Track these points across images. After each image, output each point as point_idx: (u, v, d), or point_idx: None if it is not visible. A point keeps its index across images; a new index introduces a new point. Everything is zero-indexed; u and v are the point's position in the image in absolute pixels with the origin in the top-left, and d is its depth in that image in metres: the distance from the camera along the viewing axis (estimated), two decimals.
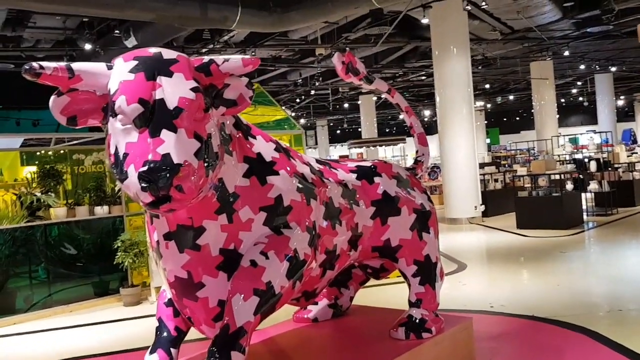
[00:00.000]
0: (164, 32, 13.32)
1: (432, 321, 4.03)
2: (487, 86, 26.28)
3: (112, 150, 2.61)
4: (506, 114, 40.58)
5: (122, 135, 2.54)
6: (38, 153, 10.01)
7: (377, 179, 4.02)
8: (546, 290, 6.99)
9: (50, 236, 7.90)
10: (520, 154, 22.69)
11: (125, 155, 2.52)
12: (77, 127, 2.78)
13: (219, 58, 2.76)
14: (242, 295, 2.96)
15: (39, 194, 8.01)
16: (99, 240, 8.33)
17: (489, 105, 34.73)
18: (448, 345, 4.21)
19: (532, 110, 36.65)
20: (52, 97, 2.62)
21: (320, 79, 20.52)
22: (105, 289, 8.21)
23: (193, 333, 3.34)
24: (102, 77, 2.63)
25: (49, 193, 7.82)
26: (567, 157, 15.58)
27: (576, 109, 38.18)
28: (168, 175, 2.42)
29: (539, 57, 21.25)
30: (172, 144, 2.51)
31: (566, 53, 18.91)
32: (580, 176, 13.04)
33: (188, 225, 2.96)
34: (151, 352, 3.38)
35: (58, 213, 7.72)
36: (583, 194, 12.94)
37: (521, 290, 7.20)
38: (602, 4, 15.40)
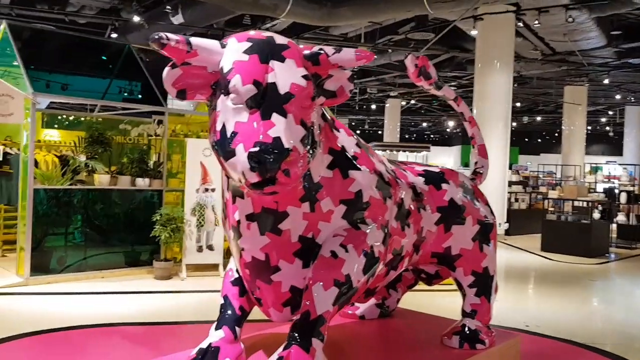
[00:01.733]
0: (212, 13, 13.35)
1: (485, 333, 4.04)
2: (518, 104, 26.12)
3: (219, 127, 2.64)
4: (528, 134, 40.40)
5: (232, 114, 2.58)
6: (83, 119, 10.07)
7: (444, 186, 4.02)
8: (579, 316, 6.97)
9: (90, 201, 7.96)
10: (544, 177, 22.56)
11: (234, 134, 2.55)
12: (181, 99, 2.82)
13: (329, 48, 2.78)
14: (323, 284, 2.99)
15: (82, 158, 8.08)
16: (135, 211, 8.38)
17: (513, 124, 34.57)
18: (498, 358, 4.22)
19: (556, 134, 36.63)
20: (167, 69, 2.66)
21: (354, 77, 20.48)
22: (136, 259, 8.27)
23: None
24: (215, 54, 2.66)
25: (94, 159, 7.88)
26: (594, 186, 15.48)
27: (599, 138, 37.93)
28: (278, 158, 2.44)
29: (575, 82, 21.10)
30: (282, 128, 2.55)
31: (606, 81, 18.77)
32: (609, 206, 12.97)
33: (273, 209, 2.99)
34: (217, 328, 3.41)
35: (102, 180, 7.78)
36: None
37: (553, 312, 7.18)
38: None
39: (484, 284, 4.05)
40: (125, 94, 8.69)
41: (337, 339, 4.47)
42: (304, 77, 2.62)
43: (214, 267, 8.34)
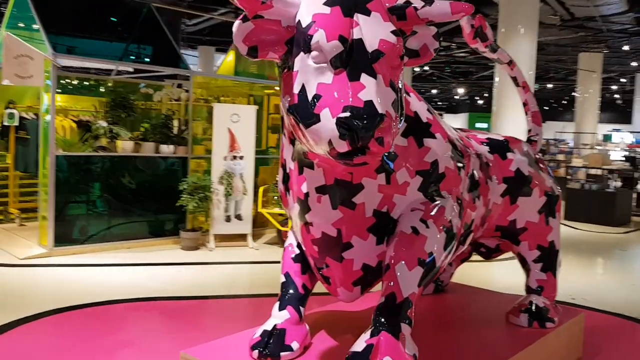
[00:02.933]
0: None
1: (554, 311, 3.85)
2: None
3: (297, 90, 2.35)
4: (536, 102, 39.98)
5: (313, 75, 2.29)
6: (95, 82, 9.68)
7: (510, 155, 3.78)
8: (623, 288, 6.78)
9: (112, 169, 7.64)
10: (558, 144, 22.30)
11: (317, 97, 2.26)
12: (252, 57, 2.51)
13: (416, 1, 2.46)
14: (407, 264, 2.75)
15: (104, 124, 7.73)
16: (158, 179, 8.08)
17: None
18: (565, 337, 4.03)
19: (563, 102, 36.22)
20: (237, 22, 2.35)
21: None
22: (161, 229, 8.00)
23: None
24: (291, 6, 2.37)
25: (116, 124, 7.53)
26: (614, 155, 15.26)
27: (607, 106, 37.60)
28: (371, 124, 2.16)
29: (592, 49, 20.66)
30: (373, 91, 2.26)
31: (626, 47, 18.35)
32: (633, 175, 12.75)
33: (347, 180, 2.73)
34: (280, 308, 3.21)
35: (125, 146, 7.45)
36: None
37: (596, 285, 6.99)
38: None
39: (550, 259, 3.87)
40: (146, 58, 8.28)
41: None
42: (393, 32, 2.32)
43: (242, 237, 8.09)
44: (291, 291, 3.22)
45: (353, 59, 2.24)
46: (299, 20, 2.32)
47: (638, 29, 17.59)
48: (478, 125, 36.50)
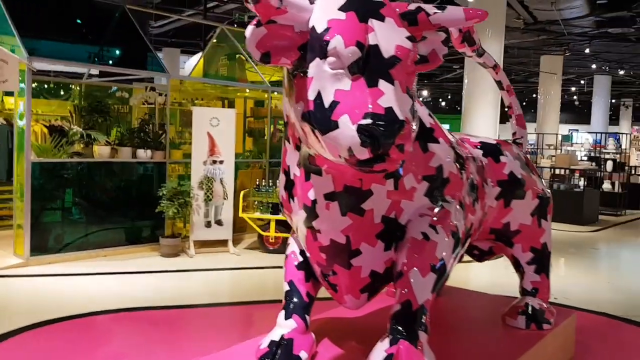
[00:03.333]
0: None
1: (549, 312, 3.92)
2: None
3: (312, 96, 2.34)
4: None
5: (330, 81, 2.28)
6: (69, 85, 9.42)
7: (502, 158, 3.85)
8: (599, 287, 6.97)
9: (88, 175, 7.44)
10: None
11: (335, 103, 2.25)
12: (265, 63, 2.49)
13: (428, 7, 2.49)
14: (420, 270, 2.77)
15: (76, 129, 7.52)
16: (135, 184, 7.92)
17: None
18: (560, 338, 4.11)
19: (524, 103, 37.01)
20: (250, 28, 2.32)
21: None
22: (138, 236, 7.83)
23: None
24: (304, 11, 2.35)
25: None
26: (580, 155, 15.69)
27: (566, 107, 38.66)
28: (393, 131, 2.16)
29: (553, 52, 21.21)
30: (392, 97, 2.27)
31: (587, 50, 18.90)
32: (597, 174, 13.13)
33: (356, 187, 2.74)
34: (287, 317, 3.18)
35: (102, 152, 7.27)
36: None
37: (574, 284, 7.16)
38: (632, 5, 15.36)
39: (543, 261, 3.95)
40: (120, 60, 8.09)
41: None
42: (409, 38, 2.32)
43: (222, 242, 7.99)
44: (296, 299, 3.19)
45: (370, 65, 2.23)
46: (313, 26, 2.30)
47: (598, 32, 18.13)
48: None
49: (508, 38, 19.42)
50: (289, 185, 3.05)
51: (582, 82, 29.02)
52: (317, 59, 2.29)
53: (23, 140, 6.70)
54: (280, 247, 7.88)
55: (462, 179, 3.11)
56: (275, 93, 9.49)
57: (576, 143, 16.42)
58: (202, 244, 7.86)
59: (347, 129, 2.17)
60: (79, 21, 8.05)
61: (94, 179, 7.44)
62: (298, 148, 2.80)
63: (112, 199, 7.65)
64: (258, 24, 2.28)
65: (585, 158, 15.01)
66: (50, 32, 7.57)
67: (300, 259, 3.30)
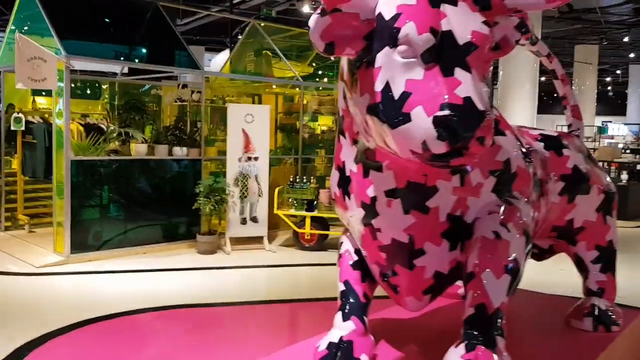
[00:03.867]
0: None
1: (617, 314, 3.72)
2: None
3: (379, 87, 2.22)
4: None
5: (400, 71, 2.14)
6: (105, 85, 9.47)
7: (565, 151, 3.63)
8: None
9: (125, 172, 7.45)
10: None
11: (406, 94, 2.12)
12: (329, 54, 2.37)
13: None
14: (494, 272, 2.62)
15: (112, 127, 7.56)
16: (171, 182, 7.92)
17: None
18: (628, 340, 3.92)
19: (555, 95, 36.19)
20: (314, 17, 2.20)
21: None
22: (174, 233, 7.83)
23: None
24: None
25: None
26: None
27: (600, 98, 37.78)
28: (474, 123, 2.03)
29: (589, 41, 20.68)
30: (470, 87, 2.12)
31: (626, 39, 18.35)
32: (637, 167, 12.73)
33: (421, 183, 2.60)
34: (345, 319, 3.06)
35: (139, 149, 7.28)
36: None
37: (625, 282, 6.91)
38: None
39: (609, 259, 3.73)
40: (153, 57, 8.06)
41: (448, 321, 4.14)
42: (485, 23, 2.16)
43: (257, 239, 7.95)
44: (352, 300, 3.09)
45: (444, 53, 2.09)
46: (380, 13, 2.17)
47: (636, 19, 17.59)
48: None
49: (542, 27, 19.05)
50: (344, 182, 2.95)
51: (618, 72, 28.22)
52: (386, 48, 2.16)
53: (61, 138, 6.74)
54: (316, 244, 7.81)
55: (529, 174, 2.98)
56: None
57: (615, 135, 15.91)
58: (237, 241, 7.83)
59: (421, 121, 2.05)
60: (112, 20, 8.07)
61: (131, 176, 7.46)
62: (356, 143, 2.71)
63: (149, 196, 7.66)
64: (322, 13, 2.17)
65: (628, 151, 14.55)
66: (85, 32, 7.61)
67: (355, 257, 3.21)
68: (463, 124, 1.98)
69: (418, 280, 2.80)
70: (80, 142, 6.99)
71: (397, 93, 2.11)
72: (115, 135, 7.04)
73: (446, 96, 2.01)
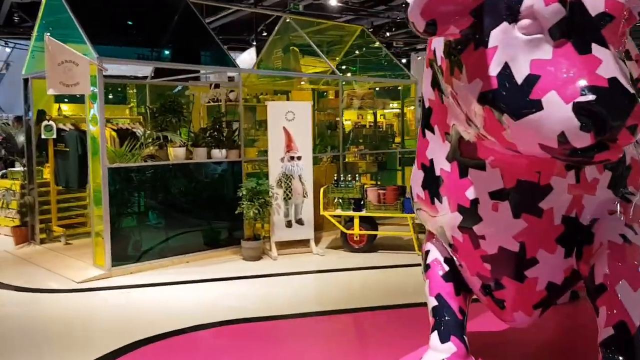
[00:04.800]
0: None
1: None
2: None
3: (496, 70, 1.88)
4: None
5: (523, 50, 1.83)
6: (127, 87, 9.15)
7: None
8: None
9: (163, 178, 7.09)
10: None
11: (533, 78, 1.80)
12: (429, 35, 2.04)
13: None
14: (630, 282, 2.25)
15: (147, 131, 7.21)
16: (211, 186, 7.55)
17: None
18: None
19: None
20: None
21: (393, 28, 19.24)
22: (217, 239, 7.46)
23: None
24: None
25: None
26: None
27: None
28: (624, 109, 1.67)
29: None
30: (614, 66, 1.76)
31: None
32: None
33: (533, 181, 2.26)
34: (443, 340, 2.75)
35: (177, 153, 6.92)
36: None
37: None
38: None
39: None
40: (188, 56, 7.69)
41: (553, 334, 3.82)
42: None
43: (303, 242, 7.56)
44: (448, 317, 2.77)
45: (576, 27, 1.78)
46: None
47: None
48: None
49: None
50: (431, 182, 2.64)
51: None
52: (504, 24, 1.87)
53: (97, 145, 6.41)
54: (365, 246, 7.41)
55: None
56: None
57: None
58: (283, 245, 7.45)
59: (557, 109, 1.72)
60: (142, 20, 7.71)
61: (169, 181, 7.10)
62: (448, 138, 2.37)
63: (189, 202, 7.31)
64: None
65: None
66: (116, 33, 7.28)
67: (447, 268, 2.88)
68: (612, 111, 1.64)
69: (529, 293, 2.52)
70: (117, 149, 6.64)
71: (520, 77, 1.80)
72: (152, 139, 6.68)
73: (586, 78, 1.69)
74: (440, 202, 2.65)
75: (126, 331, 4.69)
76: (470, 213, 2.48)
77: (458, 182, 2.47)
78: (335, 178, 7.64)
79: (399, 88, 10.59)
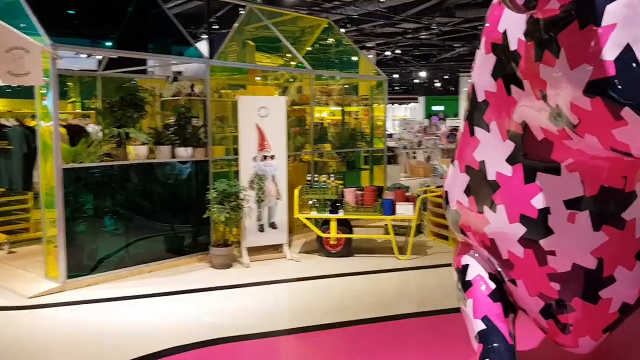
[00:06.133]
0: None
1: None
2: None
3: (613, 54, 1.60)
4: None
5: None
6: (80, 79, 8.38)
7: None
8: None
9: (121, 179, 6.43)
10: None
11: None
12: (528, 10, 1.72)
13: None
14: None
15: (99, 127, 6.53)
16: (175, 187, 6.94)
17: None
18: None
19: None
20: None
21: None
22: (182, 245, 6.86)
23: None
24: None
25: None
26: None
27: None
28: None
29: None
30: None
31: None
32: None
33: (618, 188, 1.94)
34: None
35: (139, 152, 6.28)
36: None
37: None
38: None
39: None
40: (149, 45, 7.06)
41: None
42: None
43: (275, 247, 7.06)
44: (498, 344, 2.39)
45: None
46: None
47: None
48: (435, 108, 36.13)
49: None
50: (480, 188, 2.25)
51: None
52: None
53: (47, 144, 5.70)
54: (342, 250, 6.99)
55: None
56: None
57: None
58: (253, 250, 6.92)
59: None
60: (99, 6, 7.01)
61: (130, 183, 6.46)
62: (512, 136, 2.02)
63: (151, 205, 6.68)
64: None
65: None
66: (70, 20, 6.56)
67: (493, 286, 2.51)
68: None
69: (602, 316, 2.16)
70: (75, 147, 5.93)
71: None
72: (112, 136, 6.01)
73: None
74: (494, 211, 2.27)
75: (81, 355, 4.09)
76: (537, 224, 2.13)
77: (522, 188, 2.09)
78: (309, 178, 7.18)
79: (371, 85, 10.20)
